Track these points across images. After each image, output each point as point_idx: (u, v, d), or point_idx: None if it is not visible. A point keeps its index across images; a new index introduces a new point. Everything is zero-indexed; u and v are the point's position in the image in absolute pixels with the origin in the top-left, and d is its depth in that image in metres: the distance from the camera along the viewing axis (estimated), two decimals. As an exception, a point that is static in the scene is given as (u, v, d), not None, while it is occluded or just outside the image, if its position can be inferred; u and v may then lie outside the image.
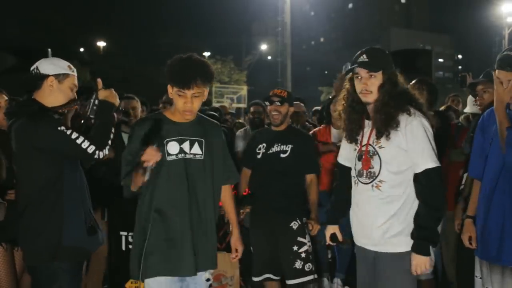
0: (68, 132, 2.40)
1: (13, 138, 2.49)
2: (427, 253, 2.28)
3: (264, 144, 3.56)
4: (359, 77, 2.38)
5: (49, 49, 6.26)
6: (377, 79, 2.35)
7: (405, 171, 2.34)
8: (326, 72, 47.50)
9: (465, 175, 3.34)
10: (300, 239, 3.43)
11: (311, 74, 44.08)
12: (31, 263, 2.55)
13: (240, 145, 5.13)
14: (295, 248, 3.41)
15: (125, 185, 2.44)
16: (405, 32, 57.13)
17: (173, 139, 2.41)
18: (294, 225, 3.44)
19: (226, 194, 2.80)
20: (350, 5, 64.39)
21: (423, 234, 2.27)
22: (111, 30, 35.04)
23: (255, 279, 3.59)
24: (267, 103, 3.57)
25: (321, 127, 4.65)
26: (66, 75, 2.59)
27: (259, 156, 3.56)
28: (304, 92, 21.59)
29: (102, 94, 2.58)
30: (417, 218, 2.29)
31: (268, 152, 3.52)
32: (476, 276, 2.76)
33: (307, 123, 5.79)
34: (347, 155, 2.59)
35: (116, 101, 2.62)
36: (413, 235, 2.30)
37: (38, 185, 2.46)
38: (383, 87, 2.34)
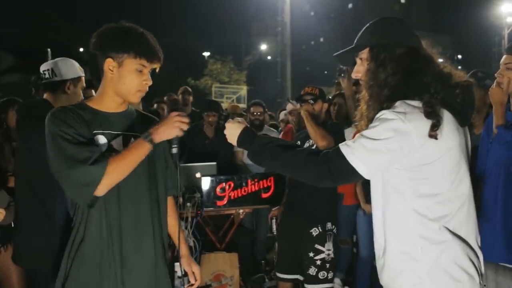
0: None
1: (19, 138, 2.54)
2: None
3: (299, 142, 3.56)
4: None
5: (49, 49, 6.26)
6: (364, 60, 1.77)
7: None
8: (325, 72, 47.46)
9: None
10: (318, 246, 3.38)
11: (311, 74, 44.03)
12: (19, 265, 2.52)
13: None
14: (311, 254, 3.37)
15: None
16: (405, 32, 57.07)
17: (102, 132, 1.83)
18: (315, 231, 3.38)
19: (170, 207, 2.11)
20: (350, 5, 64.38)
21: None
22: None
23: (280, 275, 3.57)
24: (299, 103, 3.47)
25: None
26: (79, 78, 2.62)
27: None
28: (304, 92, 21.53)
29: None
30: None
31: None
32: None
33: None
34: None
35: None
36: None
37: (36, 183, 2.50)
38: (367, 70, 1.74)
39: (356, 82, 4.56)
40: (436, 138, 1.54)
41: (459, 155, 1.65)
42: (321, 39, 61.85)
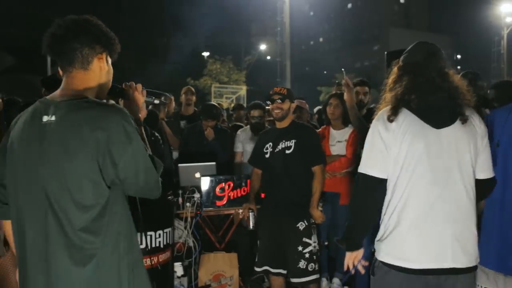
0: None
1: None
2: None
3: (271, 143, 3.63)
4: None
5: (48, 49, 6.25)
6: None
7: None
8: (325, 72, 47.48)
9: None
10: (305, 239, 3.49)
11: (310, 74, 44.04)
12: None
13: (239, 146, 5.13)
14: (300, 248, 3.47)
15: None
16: (404, 32, 57.16)
17: None
18: (301, 225, 3.49)
19: None
20: (349, 5, 64.38)
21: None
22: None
23: (257, 269, 3.66)
24: (268, 102, 3.63)
25: (320, 129, 4.62)
26: None
27: (267, 156, 3.64)
28: (303, 92, 21.58)
29: None
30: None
31: (275, 151, 3.59)
32: (478, 285, 2.76)
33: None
34: None
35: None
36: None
37: None
38: None
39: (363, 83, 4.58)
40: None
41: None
42: (321, 39, 61.87)
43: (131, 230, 1.70)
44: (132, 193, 1.70)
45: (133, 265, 1.66)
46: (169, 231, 3.71)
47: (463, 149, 2.02)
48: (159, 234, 3.58)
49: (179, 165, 4.31)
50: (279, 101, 3.55)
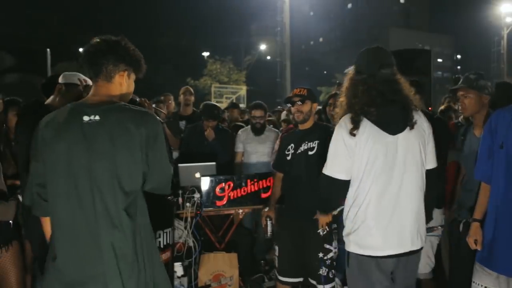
0: None
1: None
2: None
3: (293, 145, 3.54)
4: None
5: (48, 49, 6.25)
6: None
7: None
8: (325, 72, 47.46)
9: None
10: (326, 246, 3.40)
11: (310, 74, 44.02)
12: (33, 253, 2.60)
13: (240, 146, 5.13)
14: (321, 255, 3.38)
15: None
16: (404, 32, 57.12)
17: None
18: (322, 231, 3.39)
19: None
20: (349, 5, 64.37)
21: None
22: (110, 30, 34.88)
23: (283, 278, 3.56)
24: (289, 105, 3.54)
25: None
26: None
27: (288, 158, 3.54)
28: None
29: (86, 90, 2.79)
30: None
31: (297, 152, 3.49)
32: (473, 282, 2.76)
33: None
34: None
35: None
36: None
37: None
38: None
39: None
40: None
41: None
42: (321, 39, 61.86)
43: (149, 226, 2.02)
44: (149, 187, 1.99)
45: (149, 253, 1.98)
46: (169, 231, 3.71)
47: (415, 148, 2.38)
48: (159, 234, 3.58)
49: (179, 165, 4.31)
50: (299, 103, 3.44)
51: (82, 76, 2.88)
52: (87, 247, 1.87)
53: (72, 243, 1.90)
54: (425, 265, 3.53)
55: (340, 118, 2.45)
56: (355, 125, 2.33)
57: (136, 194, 1.95)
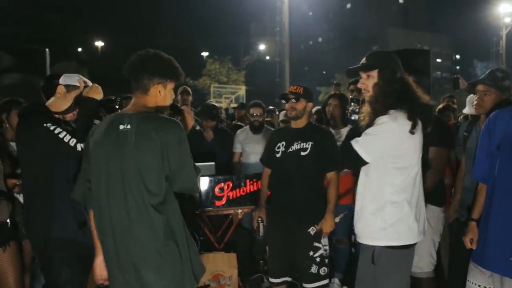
0: (52, 127, 2.60)
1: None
2: None
3: (284, 143, 3.50)
4: (360, 78, 2.59)
5: (47, 49, 6.24)
6: (373, 78, 2.52)
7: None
8: (324, 72, 47.48)
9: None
10: (315, 244, 3.39)
11: (310, 74, 44.01)
12: (33, 253, 2.82)
13: (238, 146, 5.13)
14: (311, 253, 3.38)
15: None
16: (403, 32, 57.17)
17: None
18: (312, 230, 3.38)
19: None
20: (348, 5, 64.39)
21: None
22: (109, 29, 35.03)
23: (274, 280, 3.56)
24: (283, 101, 3.53)
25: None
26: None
27: (278, 155, 3.51)
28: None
29: (85, 91, 2.78)
30: None
31: (288, 151, 3.46)
32: (468, 280, 2.77)
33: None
34: None
35: (98, 95, 2.78)
36: None
37: (32, 178, 2.70)
38: (376, 85, 2.51)
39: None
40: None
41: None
42: (320, 39, 61.87)
43: (182, 230, 2.22)
44: (176, 188, 2.19)
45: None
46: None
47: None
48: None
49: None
50: (293, 100, 3.43)
51: (82, 78, 2.89)
52: (121, 237, 2.15)
53: (110, 233, 2.18)
54: (428, 264, 3.52)
55: (374, 115, 2.48)
56: (414, 123, 2.41)
57: (166, 194, 2.16)
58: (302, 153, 3.41)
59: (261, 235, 3.73)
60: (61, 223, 2.63)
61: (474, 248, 2.68)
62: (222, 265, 4.15)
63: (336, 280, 4.38)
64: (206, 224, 4.34)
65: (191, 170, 2.21)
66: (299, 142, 3.44)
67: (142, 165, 2.11)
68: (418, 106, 2.48)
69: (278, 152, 3.51)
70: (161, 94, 2.27)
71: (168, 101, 2.34)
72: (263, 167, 3.78)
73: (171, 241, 2.16)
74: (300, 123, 3.51)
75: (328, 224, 3.36)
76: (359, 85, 2.60)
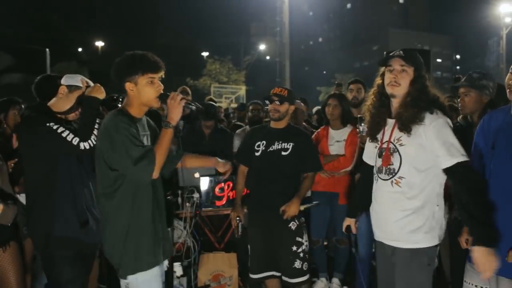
0: (55, 127, 2.61)
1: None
2: (487, 244, 2.22)
3: (264, 142, 3.52)
4: (392, 69, 2.47)
5: (47, 49, 6.25)
6: (408, 74, 2.45)
7: (427, 169, 2.41)
8: (324, 72, 47.49)
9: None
10: (298, 239, 3.44)
11: (310, 74, 44.04)
12: (35, 251, 2.85)
13: (237, 146, 5.12)
14: (294, 248, 3.42)
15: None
16: (403, 32, 57.18)
17: (143, 134, 2.48)
18: (293, 225, 3.43)
19: None
20: (349, 5, 64.42)
21: (478, 224, 2.25)
22: (109, 29, 35.04)
23: (254, 276, 3.56)
24: (267, 101, 3.54)
25: (319, 129, 4.61)
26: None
27: (258, 154, 3.52)
28: (303, 92, 21.58)
29: (88, 90, 2.79)
30: (467, 211, 2.27)
31: (268, 150, 3.49)
32: (465, 281, 2.76)
33: (304, 123, 5.74)
34: (369, 153, 2.73)
35: (101, 95, 2.78)
36: (471, 231, 2.38)
37: (34, 178, 2.70)
38: (414, 83, 2.44)
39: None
40: None
41: None
42: (320, 39, 61.92)
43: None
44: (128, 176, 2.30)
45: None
46: (169, 231, 3.71)
47: None
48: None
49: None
50: (277, 102, 3.46)
51: (84, 78, 2.90)
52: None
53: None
54: None
55: (416, 111, 2.40)
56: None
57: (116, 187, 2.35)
58: (283, 153, 3.46)
59: (240, 233, 3.70)
60: (63, 222, 2.63)
61: (469, 248, 2.68)
62: (222, 265, 4.15)
63: (336, 280, 4.38)
64: (206, 224, 4.34)
65: (124, 157, 2.24)
66: (280, 142, 3.48)
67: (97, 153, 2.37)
68: (443, 106, 2.51)
69: (258, 151, 3.53)
70: (134, 91, 2.34)
71: (146, 96, 2.36)
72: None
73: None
74: (281, 124, 3.54)
75: (292, 208, 3.37)
76: (391, 77, 2.46)
